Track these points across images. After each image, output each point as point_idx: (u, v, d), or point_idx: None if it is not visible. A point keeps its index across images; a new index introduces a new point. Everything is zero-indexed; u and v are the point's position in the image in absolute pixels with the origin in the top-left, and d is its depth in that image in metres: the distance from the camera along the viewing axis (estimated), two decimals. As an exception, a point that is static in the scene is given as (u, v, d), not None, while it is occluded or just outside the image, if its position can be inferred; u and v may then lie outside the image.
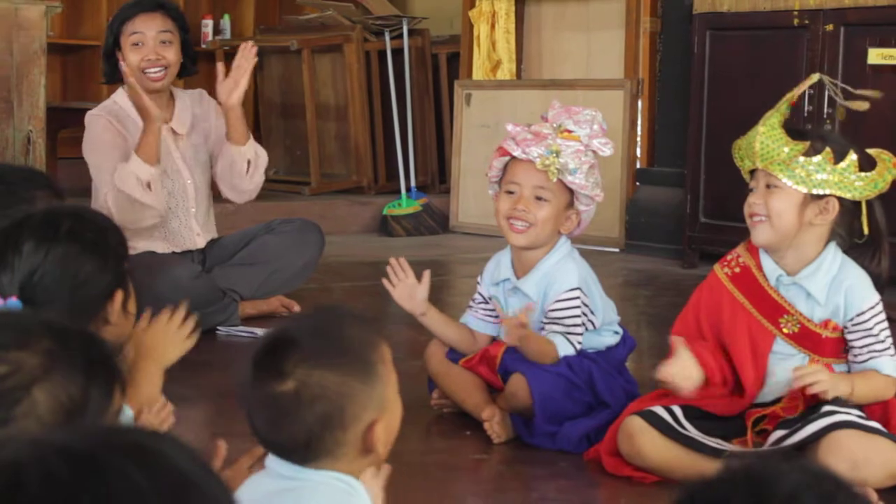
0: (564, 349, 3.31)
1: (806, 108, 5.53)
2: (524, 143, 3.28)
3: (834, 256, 3.02)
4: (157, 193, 4.39)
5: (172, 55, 4.51)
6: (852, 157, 2.94)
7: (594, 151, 3.30)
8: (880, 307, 3.01)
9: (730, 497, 1.09)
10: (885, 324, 3.01)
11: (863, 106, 3.19)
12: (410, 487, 3.06)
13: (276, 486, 1.84)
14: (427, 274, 3.45)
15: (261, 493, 1.85)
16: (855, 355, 3.01)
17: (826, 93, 5.58)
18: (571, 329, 3.31)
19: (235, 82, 4.47)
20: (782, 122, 2.98)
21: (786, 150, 2.95)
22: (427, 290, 3.44)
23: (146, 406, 2.53)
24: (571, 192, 3.31)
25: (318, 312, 1.99)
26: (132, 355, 2.57)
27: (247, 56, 4.50)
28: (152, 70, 4.45)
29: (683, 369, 2.99)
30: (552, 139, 3.27)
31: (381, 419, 1.84)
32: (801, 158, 2.93)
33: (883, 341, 2.99)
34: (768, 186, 2.98)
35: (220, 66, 4.57)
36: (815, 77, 3.14)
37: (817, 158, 2.93)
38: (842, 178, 2.94)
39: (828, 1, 5.65)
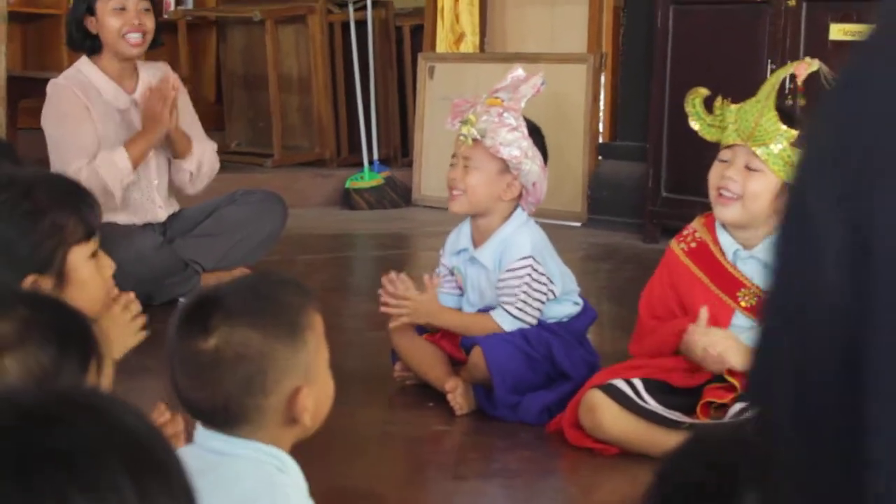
0: (504, 320, 3.33)
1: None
2: (455, 115, 3.36)
3: (792, 229, 3.04)
4: (124, 192, 4.45)
5: (151, 23, 4.53)
6: None
7: (513, 113, 3.29)
8: None
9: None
10: None
11: None
12: (373, 458, 3.07)
13: (200, 463, 1.79)
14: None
15: None
16: None
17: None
18: (517, 297, 3.33)
19: (164, 110, 4.43)
20: (775, 102, 2.96)
21: (778, 135, 2.93)
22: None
23: None
24: (503, 159, 3.34)
25: (252, 276, 1.97)
26: None
27: (167, 90, 4.45)
28: (133, 35, 4.45)
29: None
30: (479, 106, 3.31)
31: (307, 388, 1.79)
32: (789, 147, 2.92)
33: None
34: (748, 167, 2.98)
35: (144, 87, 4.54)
36: (814, 64, 3.05)
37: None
38: None
39: (790, -23, 5.67)
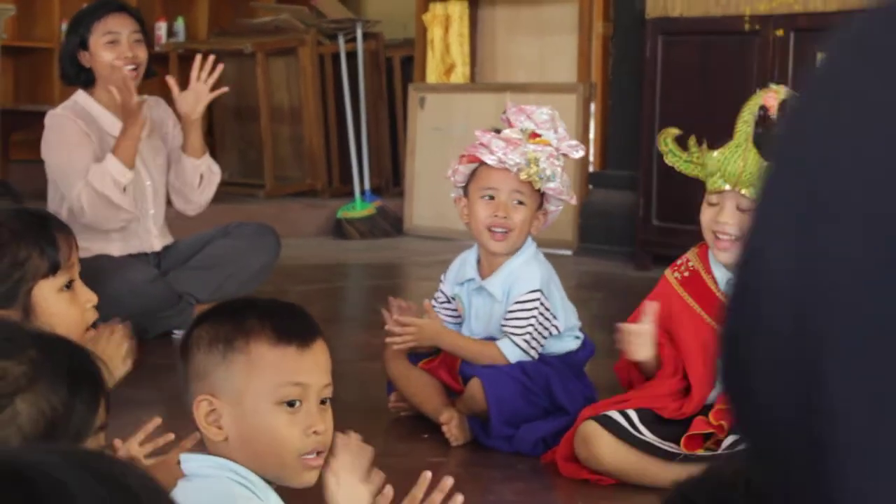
0: (510, 351, 3.33)
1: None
2: (499, 150, 3.30)
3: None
4: (130, 197, 4.44)
5: (144, 54, 4.56)
6: None
7: (564, 155, 3.33)
8: None
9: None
10: None
11: None
12: (369, 490, 3.08)
13: (181, 483, 1.86)
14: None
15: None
16: None
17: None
18: (525, 330, 3.34)
19: (198, 96, 4.48)
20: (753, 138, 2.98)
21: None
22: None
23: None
24: (542, 193, 3.35)
25: (261, 299, 2.04)
26: None
27: (209, 70, 4.51)
28: (127, 67, 4.48)
29: (642, 334, 3.03)
30: (524, 145, 3.29)
31: (217, 399, 1.84)
32: None
33: None
34: (739, 208, 3.00)
35: (171, 81, 4.57)
36: (782, 91, 3.03)
37: None
38: None
39: (778, 7, 5.72)
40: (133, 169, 4.41)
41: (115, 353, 2.53)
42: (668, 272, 3.21)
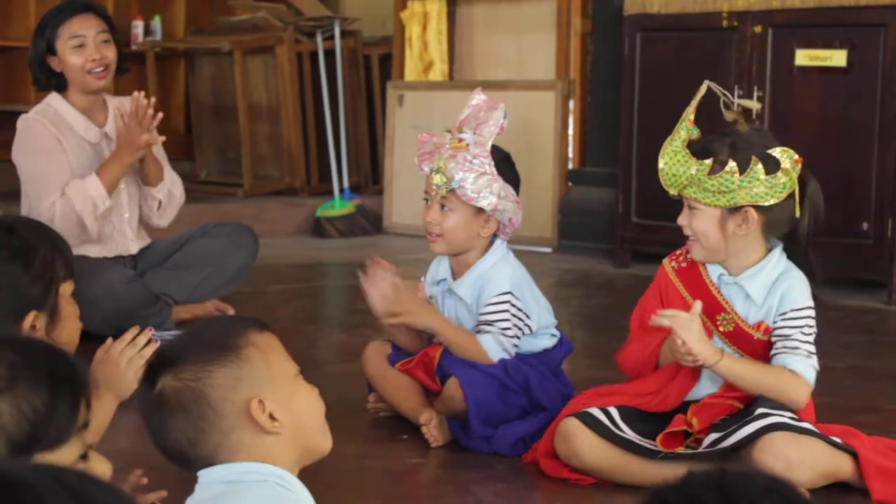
0: (493, 349, 3.32)
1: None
2: (423, 157, 3.34)
3: (778, 261, 3.06)
4: (100, 221, 4.43)
5: (113, 54, 4.50)
6: (757, 164, 2.95)
7: (480, 158, 3.29)
8: (808, 313, 3.01)
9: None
10: (809, 331, 3.01)
11: (755, 104, 3.25)
12: (348, 492, 3.06)
13: (208, 493, 1.85)
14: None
15: None
16: (770, 352, 3.04)
17: (755, 93, 5.65)
18: (503, 332, 3.33)
19: (140, 134, 4.36)
20: (686, 143, 2.97)
21: (693, 171, 2.96)
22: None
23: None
24: None
25: (194, 323, 2.06)
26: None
27: (144, 112, 4.36)
28: (97, 69, 4.43)
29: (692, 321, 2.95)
30: (445, 150, 3.30)
31: (263, 396, 1.86)
32: (708, 177, 2.95)
33: (797, 340, 2.99)
34: (690, 208, 3.02)
35: (116, 113, 4.44)
36: (703, 89, 3.07)
37: (723, 175, 2.94)
38: (750, 187, 2.95)
39: (756, 3, 5.72)
40: (111, 196, 4.39)
41: (132, 363, 2.45)
42: (665, 261, 3.21)
